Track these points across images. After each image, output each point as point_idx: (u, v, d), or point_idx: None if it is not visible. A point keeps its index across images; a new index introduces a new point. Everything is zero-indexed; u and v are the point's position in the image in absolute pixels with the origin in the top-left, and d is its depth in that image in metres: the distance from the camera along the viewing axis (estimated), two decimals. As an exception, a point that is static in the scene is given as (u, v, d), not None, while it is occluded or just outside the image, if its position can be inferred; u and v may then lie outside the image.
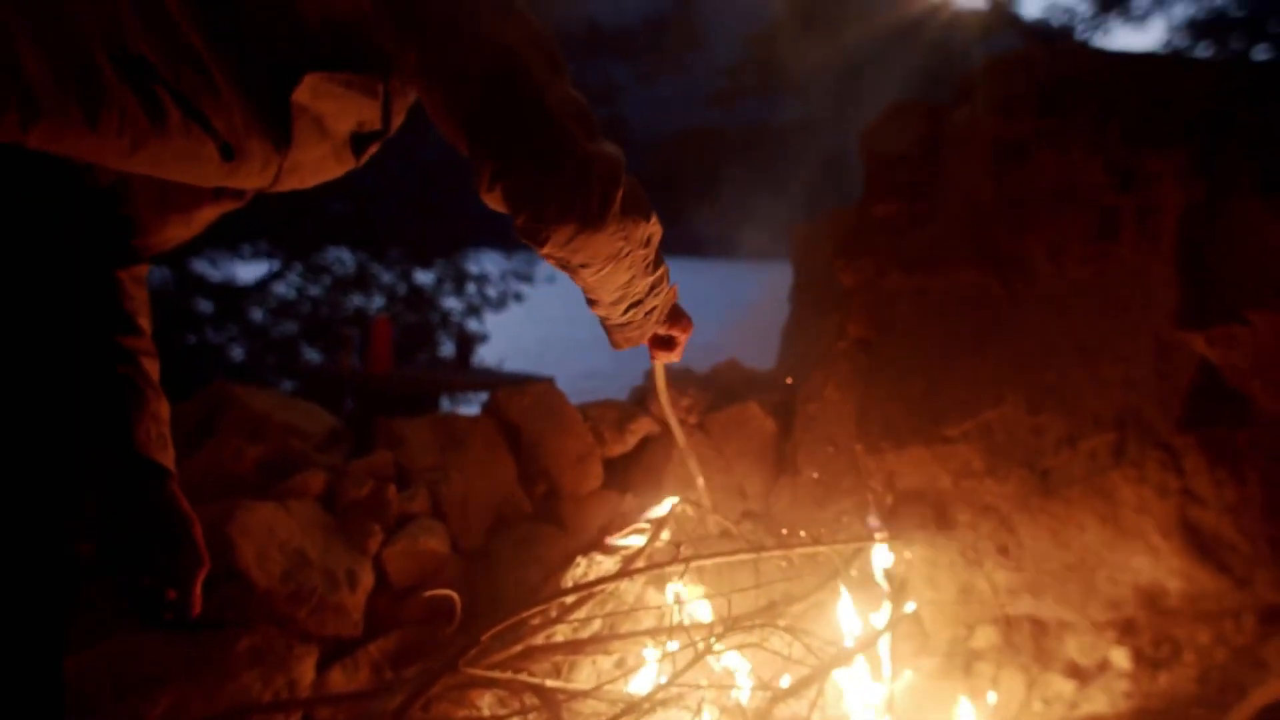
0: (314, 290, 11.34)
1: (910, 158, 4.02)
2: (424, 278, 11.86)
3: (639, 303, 1.97)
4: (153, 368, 1.80)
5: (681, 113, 13.68)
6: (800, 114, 11.38)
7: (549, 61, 1.65)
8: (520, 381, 6.95)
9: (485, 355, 11.02)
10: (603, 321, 2.05)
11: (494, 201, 1.66)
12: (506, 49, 1.61)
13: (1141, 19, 11.09)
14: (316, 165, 1.68)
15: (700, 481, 3.28)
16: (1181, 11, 10.46)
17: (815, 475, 3.89)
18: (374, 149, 1.76)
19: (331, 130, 1.63)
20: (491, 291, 12.05)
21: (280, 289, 11.35)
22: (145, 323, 1.81)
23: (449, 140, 1.66)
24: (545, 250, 1.69)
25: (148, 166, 1.45)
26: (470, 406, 9.56)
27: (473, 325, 11.74)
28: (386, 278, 11.70)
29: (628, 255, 1.80)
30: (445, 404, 8.99)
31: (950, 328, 3.67)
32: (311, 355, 10.92)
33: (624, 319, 2.01)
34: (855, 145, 4.32)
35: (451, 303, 11.96)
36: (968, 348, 3.61)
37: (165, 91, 1.38)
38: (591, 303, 1.97)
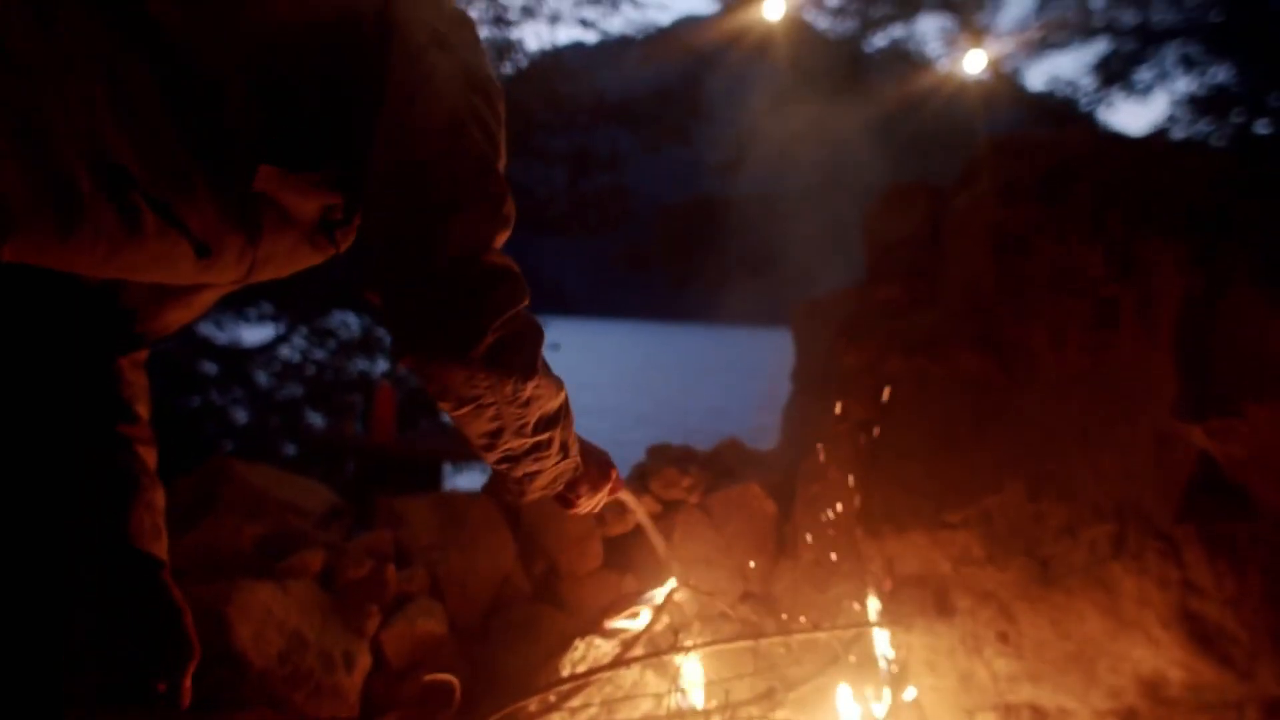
0: (319, 353, 11.35)
1: (912, 241, 4.05)
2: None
3: (513, 459, 1.88)
4: (149, 455, 1.78)
5: (686, 181, 13.76)
6: (804, 183, 11.45)
7: (471, 192, 1.63)
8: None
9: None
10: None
11: (373, 297, 1.65)
12: (436, 161, 1.59)
13: (1144, 93, 11.18)
14: (290, 254, 1.67)
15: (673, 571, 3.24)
16: (1183, 87, 10.54)
17: (815, 558, 3.88)
18: (350, 235, 1.75)
19: (296, 218, 1.62)
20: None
21: (285, 352, 11.36)
22: (143, 410, 1.80)
23: (360, 228, 1.68)
24: (405, 367, 1.68)
25: (123, 272, 1.44)
26: (473, 473, 9.55)
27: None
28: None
29: (492, 406, 1.73)
30: (448, 471, 8.97)
31: (951, 412, 3.68)
32: (315, 419, 10.91)
33: (499, 468, 1.91)
34: (859, 213, 4.36)
35: (455, 367, 11.95)
36: (968, 432, 3.61)
37: (142, 198, 1.35)
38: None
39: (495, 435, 1.79)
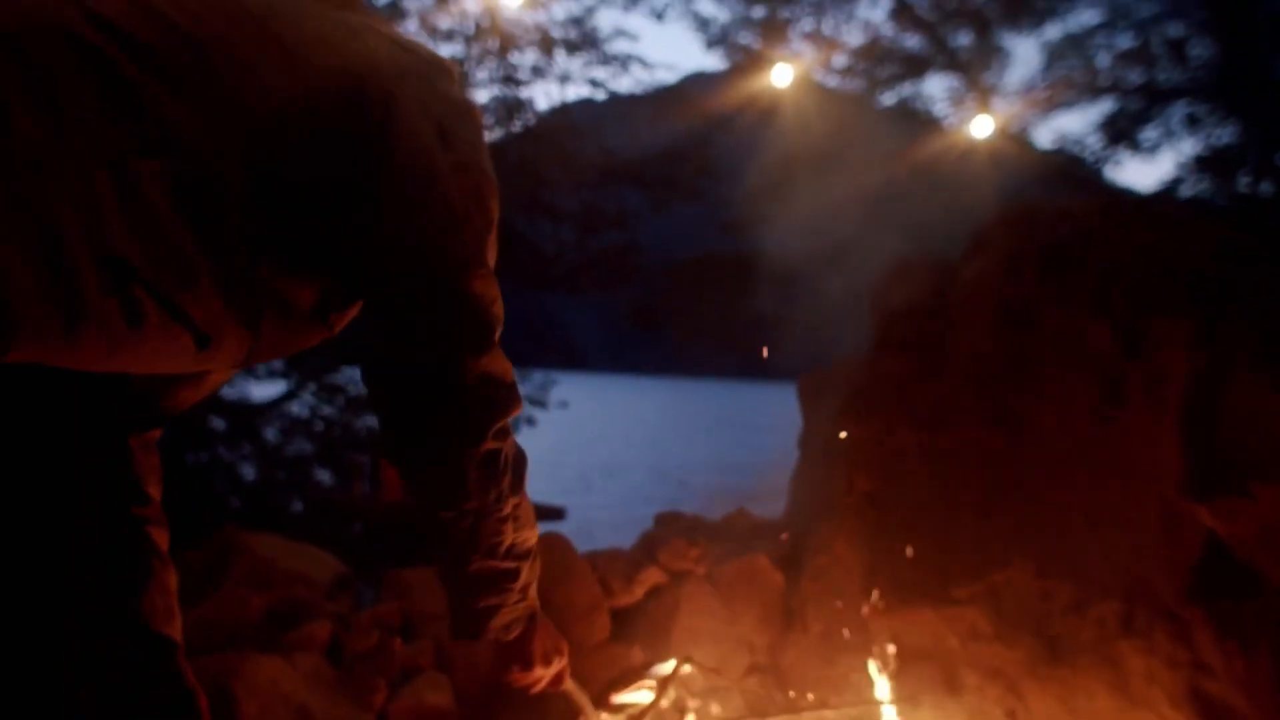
0: (327, 410, 11.36)
1: (918, 313, 4.06)
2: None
3: (478, 581, 1.87)
4: (161, 537, 1.79)
5: (696, 237, 13.81)
6: (813, 241, 11.49)
7: (465, 298, 1.67)
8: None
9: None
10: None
11: (371, 383, 1.69)
12: (427, 284, 1.64)
13: (1151, 151, 11.21)
14: (289, 339, 1.69)
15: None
16: (1189, 147, 10.58)
17: (823, 631, 3.87)
18: (346, 316, 1.77)
19: (294, 306, 1.64)
20: (511, 414, 11.97)
21: (294, 408, 11.37)
22: (155, 491, 1.81)
23: (368, 340, 1.70)
24: (393, 463, 1.71)
25: (124, 367, 1.45)
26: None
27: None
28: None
29: (470, 515, 1.76)
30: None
31: (958, 485, 3.68)
32: (323, 475, 10.90)
33: (460, 599, 1.91)
34: (867, 272, 4.37)
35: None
36: (975, 507, 3.61)
37: (145, 292, 1.37)
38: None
39: (467, 543, 1.79)
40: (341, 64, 1.61)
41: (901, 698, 3.46)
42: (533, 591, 1.96)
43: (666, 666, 3.33)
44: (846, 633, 3.80)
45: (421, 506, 1.77)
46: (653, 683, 3.37)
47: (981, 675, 3.40)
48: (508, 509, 1.78)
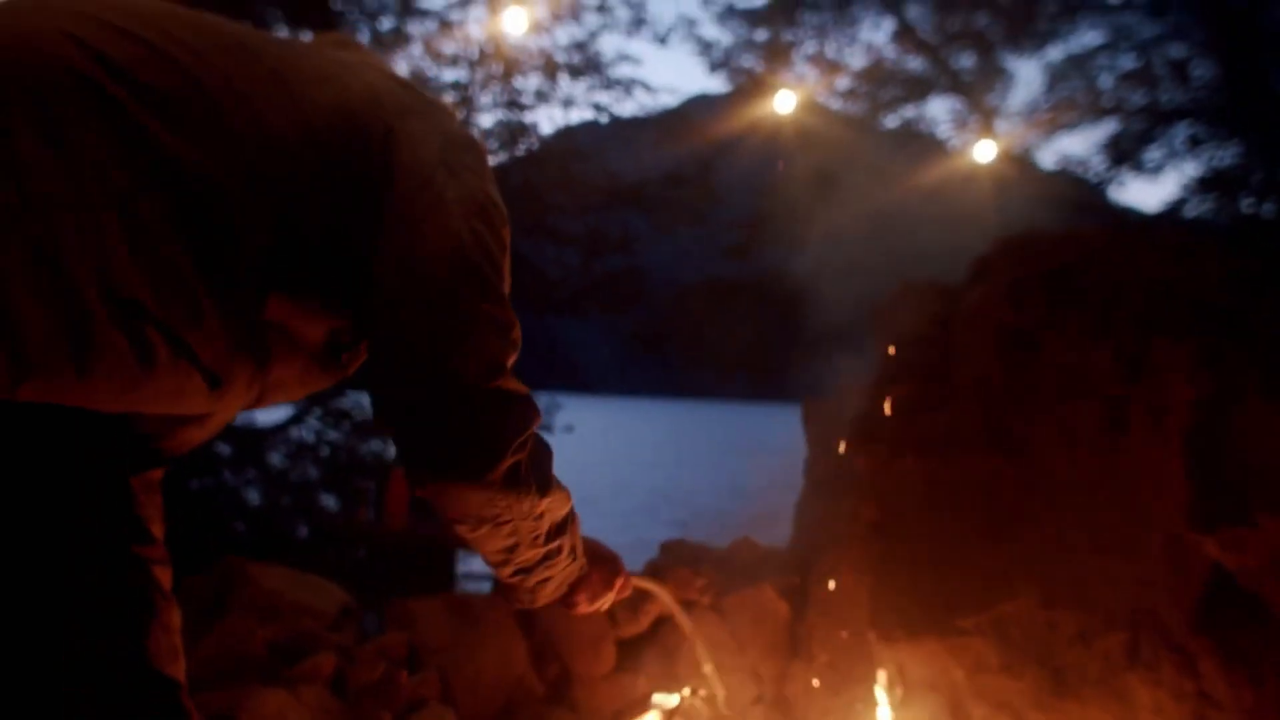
0: (333, 434, 11.34)
1: (922, 340, 4.06)
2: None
3: (526, 570, 1.93)
4: (165, 576, 1.79)
5: (701, 260, 13.82)
6: (817, 264, 11.50)
7: (479, 319, 1.67)
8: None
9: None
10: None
11: (389, 433, 1.69)
12: (448, 298, 1.63)
13: (1155, 172, 11.22)
14: (299, 378, 1.69)
15: (709, 669, 3.23)
16: (1193, 167, 10.59)
17: (829, 661, 3.86)
18: (359, 357, 1.77)
19: (303, 343, 1.64)
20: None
21: (299, 432, 11.35)
22: (158, 530, 1.80)
23: (368, 358, 1.69)
24: (422, 494, 1.71)
25: (136, 407, 1.45)
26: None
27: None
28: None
29: (509, 524, 1.78)
30: (461, 557, 8.94)
31: (964, 514, 3.67)
32: (329, 500, 10.88)
33: (511, 580, 1.96)
34: (872, 294, 4.38)
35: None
36: (981, 536, 3.60)
37: (155, 330, 1.37)
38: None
39: (511, 550, 1.84)
40: (342, 100, 1.63)
41: (907, 728, 3.46)
42: (579, 548, 2.02)
43: (672, 699, 3.33)
44: (848, 663, 3.79)
45: (461, 530, 1.79)
46: (659, 712, 3.37)
47: (988, 707, 3.39)
48: (541, 506, 1.81)
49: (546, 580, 1.97)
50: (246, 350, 1.51)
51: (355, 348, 1.75)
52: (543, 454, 1.80)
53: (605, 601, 2.27)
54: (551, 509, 1.84)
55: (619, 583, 2.26)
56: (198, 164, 1.44)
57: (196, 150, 1.44)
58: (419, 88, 1.81)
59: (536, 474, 1.78)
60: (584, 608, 2.22)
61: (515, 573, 1.92)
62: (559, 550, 1.93)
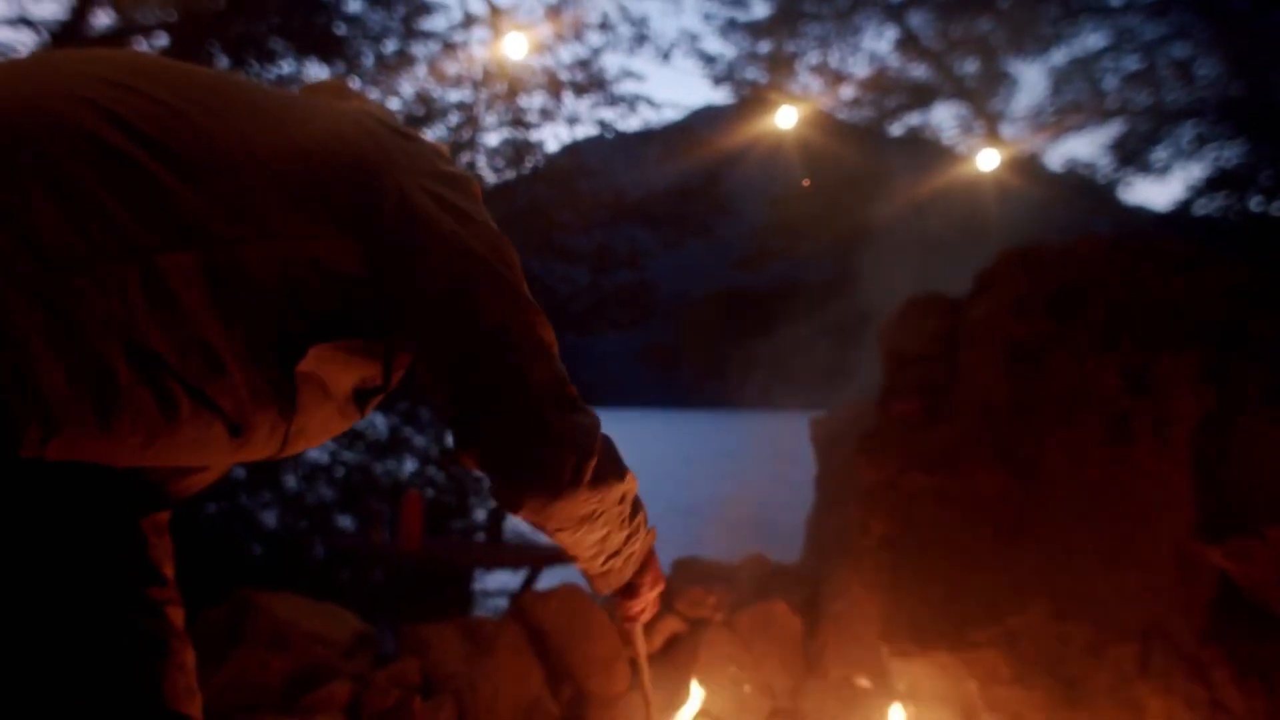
0: (348, 455, 11.37)
1: (928, 356, 4.07)
2: (457, 440, 11.82)
3: (616, 553, 2.00)
4: (177, 616, 1.80)
5: (708, 275, 13.84)
6: (826, 275, 11.50)
7: (536, 340, 1.71)
8: (551, 556, 6.94)
9: (517, 520, 10.99)
10: (584, 572, 2.08)
11: (469, 462, 1.72)
12: (496, 324, 1.67)
13: (1162, 172, 11.22)
14: (323, 425, 1.71)
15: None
16: (1200, 167, 10.58)
17: (842, 675, 3.87)
18: (377, 400, 1.80)
19: (334, 391, 1.66)
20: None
21: (314, 454, 11.37)
22: (169, 570, 1.83)
23: (426, 390, 1.72)
24: (519, 515, 1.75)
25: (160, 459, 1.48)
26: (501, 577, 9.52)
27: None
28: (419, 441, 11.73)
29: (601, 516, 1.84)
30: (478, 575, 8.97)
31: (973, 528, 3.68)
32: (345, 521, 10.90)
33: (603, 569, 2.04)
34: (881, 305, 4.39)
35: (485, 468, 11.89)
36: (990, 550, 3.61)
37: (175, 382, 1.39)
38: (571, 557, 2.01)
39: (604, 540, 1.92)
40: (355, 156, 1.64)
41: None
42: (646, 519, 2.07)
43: (685, 715, 3.33)
44: (863, 680, 3.80)
45: (560, 537, 1.86)
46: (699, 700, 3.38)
47: (1002, 718, 3.39)
48: (623, 490, 1.87)
49: (631, 555, 2.04)
50: (268, 399, 1.53)
51: (380, 393, 1.77)
52: (611, 444, 1.84)
53: (655, 596, 2.30)
54: (629, 489, 1.90)
55: (656, 578, 2.29)
56: (213, 219, 1.45)
57: (211, 205, 1.46)
58: (409, 131, 1.83)
59: (615, 464, 1.83)
60: (646, 593, 2.25)
61: (607, 559, 1.99)
62: (639, 525, 2.01)
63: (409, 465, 11.63)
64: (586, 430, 1.75)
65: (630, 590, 2.23)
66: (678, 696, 3.81)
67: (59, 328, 1.29)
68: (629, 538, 2.00)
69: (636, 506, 1.98)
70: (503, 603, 7.49)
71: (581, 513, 1.80)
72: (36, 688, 1.53)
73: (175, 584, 1.83)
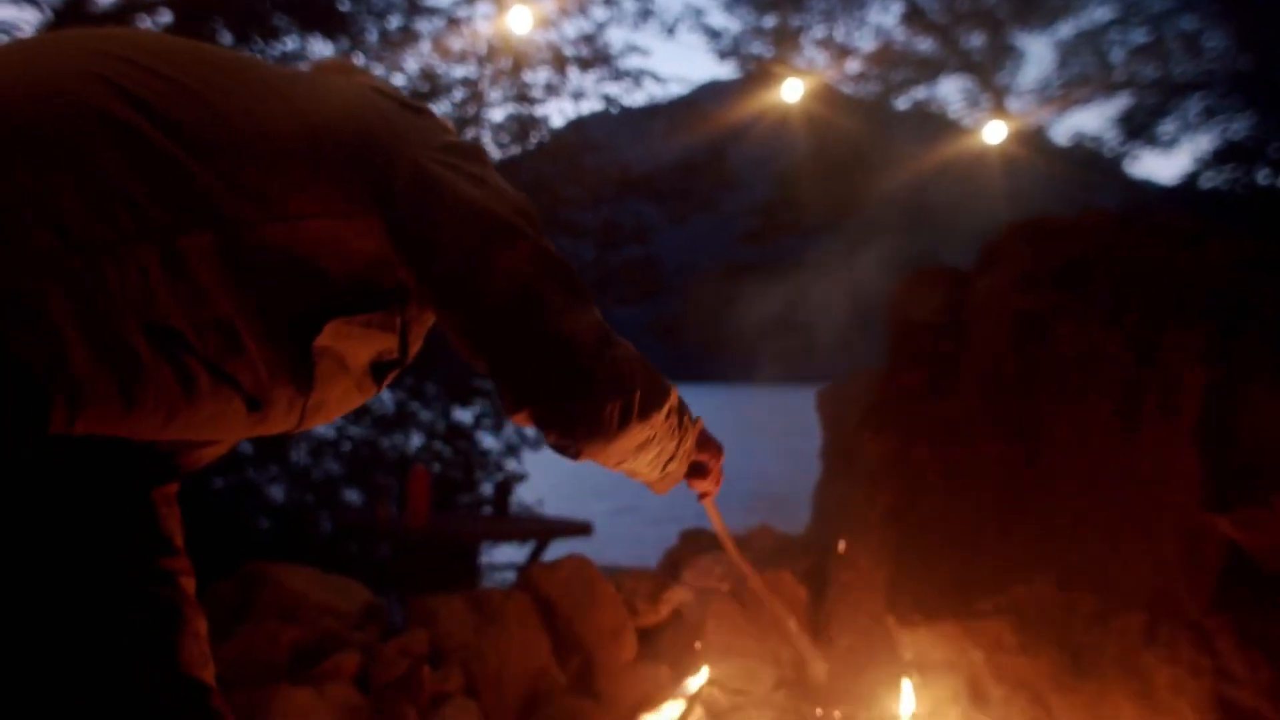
0: (355, 430, 11.39)
1: (934, 327, 4.07)
2: (463, 415, 11.88)
3: (673, 457, 2.04)
4: (190, 585, 1.83)
5: (715, 249, 13.82)
6: (832, 249, 11.49)
7: (564, 286, 1.72)
8: (558, 529, 6.95)
9: (523, 494, 11.04)
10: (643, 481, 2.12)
11: (521, 420, 1.74)
12: (523, 282, 1.68)
13: (1169, 145, 11.18)
14: (340, 399, 1.73)
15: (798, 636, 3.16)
16: (1208, 140, 10.55)
17: (849, 645, 3.89)
18: (394, 375, 1.82)
19: (352, 365, 1.68)
20: (530, 430, 12.00)
21: (321, 429, 11.39)
22: (179, 540, 1.85)
23: (466, 359, 1.74)
24: (579, 459, 1.78)
25: (181, 434, 1.50)
26: (508, 550, 9.55)
27: (511, 465, 11.72)
28: (425, 415, 11.74)
29: (655, 438, 1.89)
30: (485, 548, 8.99)
31: (979, 500, 3.69)
32: (352, 496, 10.93)
33: (663, 474, 2.08)
34: (887, 278, 4.40)
35: (490, 441, 11.96)
36: (997, 520, 3.62)
37: (195, 360, 1.41)
38: (631, 476, 2.04)
39: (660, 455, 1.97)
40: (364, 130, 1.65)
41: (928, 711, 3.48)
42: (689, 410, 2.10)
43: (693, 684, 3.36)
44: (868, 646, 3.81)
45: (620, 468, 1.92)
46: (681, 701, 3.40)
47: (1007, 688, 3.41)
48: (667, 406, 1.90)
49: (685, 452, 2.09)
50: (286, 374, 1.55)
51: (397, 366, 1.79)
52: (649, 366, 1.87)
53: (714, 477, 2.34)
54: (673, 403, 1.93)
55: (717, 450, 2.32)
56: (228, 198, 1.47)
57: (226, 182, 1.47)
58: (417, 104, 1.84)
59: (658, 386, 1.87)
60: (713, 467, 2.29)
61: (665, 464, 2.03)
62: (687, 425, 2.06)
63: (416, 440, 11.66)
64: (627, 364, 1.77)
65: (696, 471, 2.27)
66: (684, 665, 3.85)
67: (85, 309, 1.31)
68: (680, 441, 2.04)
69: (682, 410, 2.01)
70: (510, 576, 7.52)
71: (637, 442, 1.84)
72: (55, 655, 1.55)
73: (185, 554, 1.86)
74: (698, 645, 3.20)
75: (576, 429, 1.74)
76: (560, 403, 1.71)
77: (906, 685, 3.60)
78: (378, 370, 1.75)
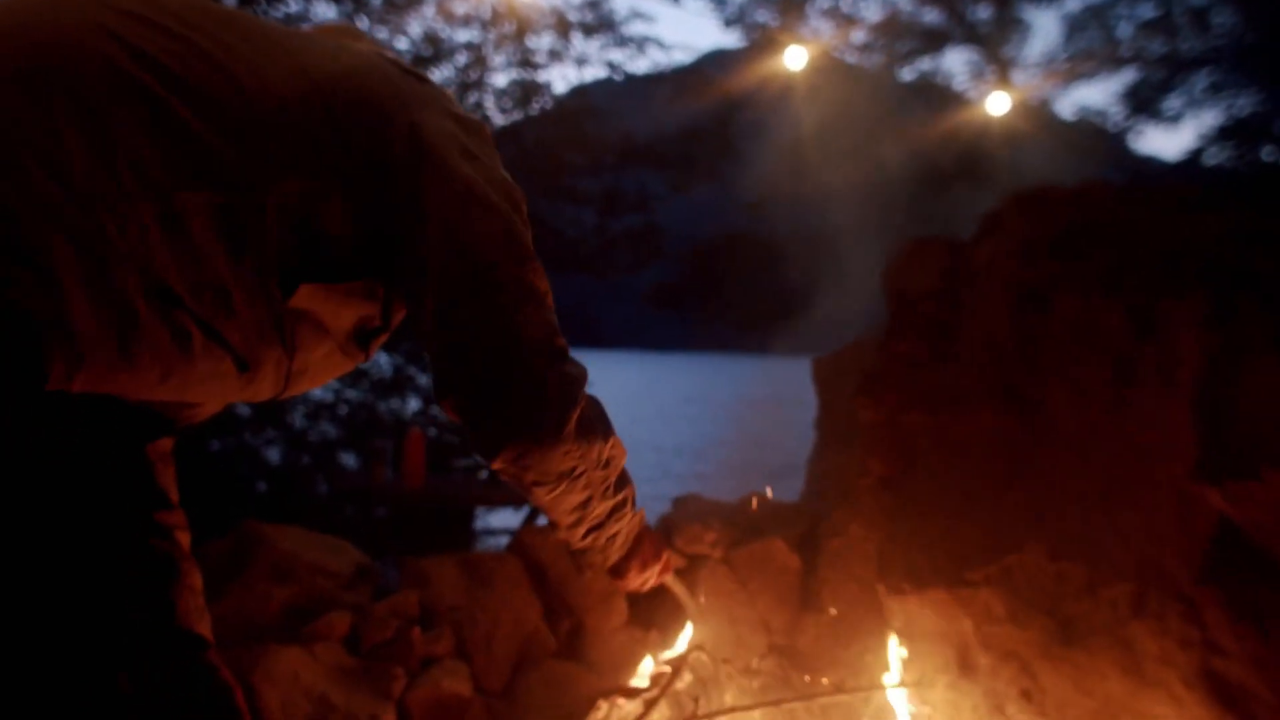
0: (351, 394, 11.40)
1: (932, 296, 4.06)
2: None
3: (599, 526, 2.01)
4: (185, 539, 1.84)
5: (716, 218, 13.79)
6: (833, 219, 11.48)
7: (528, 285, 1.72)
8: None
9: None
10: (567, 546, 2.11)
11: (448, 409, 1.73)
12: (491, 261, 1.68)
13: (1174, 120, 11.15)
14: (324, 364, 1.73)
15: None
16: (1212, 115, 10.51)
17: (838, 613, 3.89)
18: (380, 341, 1.82)
19: (332, 329, 1.68)
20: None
21: (318, 392, 11.39)
22: (175, 496, 1.86)
23: (418, 339, 1.73)
24: (496, 465, 1.76)
25: (175, 393, 1.51)
26: (504, 514, 9.58)
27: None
28: (423, 380, 11.75)
29: (583, 475, 1.85)
30: (479, 513, 9.01)
31: (972, 468, 3.68)
32: (348, 459, 10.95)
33: (584, 543, 2.05)
34: (886, 247, 4.38)
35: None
36: (989, 489, 3.61)
37: (189, 317, 1.42)
38: (551, 525, 2.02)
39: (585, 505, 1.94)
40: (365, 91, 1.67)
41: (915, 680, 3.48)
42: (635, 499, 2.11)
43: (681, 645, 3.36)
44: (858, 614, 3.82)
45: (539, 493, 1.88)
46: (667, 667, 3.40)
47: (995, 657, 3.41)
48: (607, 451, 1.91)
49: (615, 535, 2.06)
50: (273, 336, 1.56)
51: (381, 334, 1.79)
52: (598, 404, 1.88)
53: (652, 574, 2.33)
54: (615, 454, 1.93)
55: (665, 555, 2.32)
56: (230, 158, 1.48)
57: (228, 144, 1.48)
58: (420, 73, 1.85)
59: (601, 421, 1.88)
60: (634, 577, 2.29)
61: (589, 532, 2.02)
62: (625, 502, 2.04)
63: (412, 404, 11.68)
64: (573, 380, 1.77)
65: (617, 571, 2.25)
66: (671, 630, 3.85)
67: (86, 262, 1.32)
68: (614, 511, 2.01)
69: (623, 480, 2.00)
70: (504, 541, 7.54)
71: (561, 467, 1.81)
72: (56, 607, 1.56)
73: (180, 509, 1.87)
74: (701, 599, 3.21)
75: (503, 422, 1.73)
76: (493, 389, 1.71)
77: (894, 652, 3.60)
78: (362, 336, 1.75)
